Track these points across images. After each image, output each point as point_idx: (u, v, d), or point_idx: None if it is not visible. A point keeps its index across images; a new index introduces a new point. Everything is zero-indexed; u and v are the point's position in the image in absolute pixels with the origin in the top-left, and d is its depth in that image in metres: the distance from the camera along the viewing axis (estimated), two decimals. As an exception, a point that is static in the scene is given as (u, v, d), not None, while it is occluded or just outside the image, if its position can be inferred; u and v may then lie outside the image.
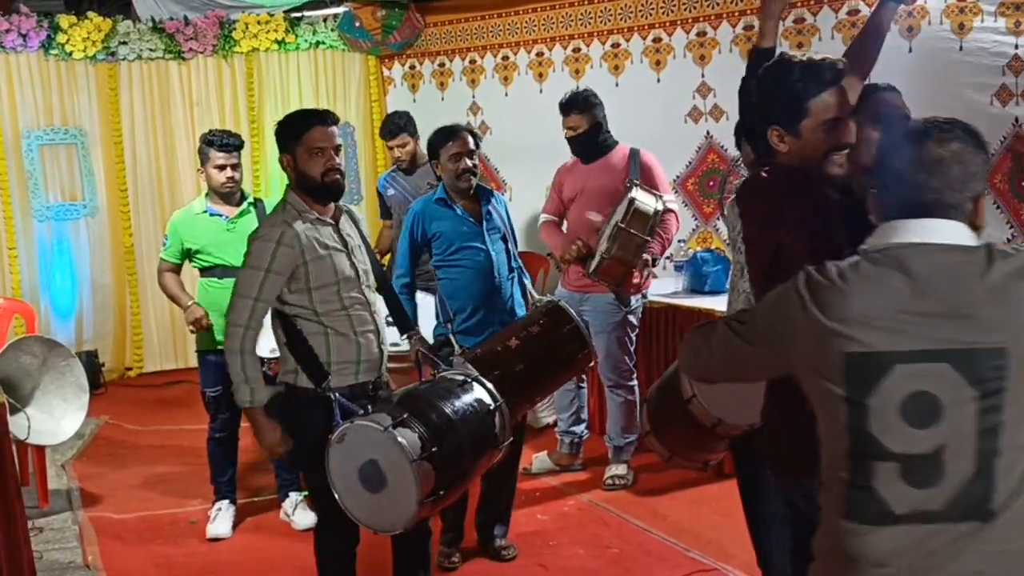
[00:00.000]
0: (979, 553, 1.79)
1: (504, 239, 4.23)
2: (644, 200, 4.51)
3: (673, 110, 6.16)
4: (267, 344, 3.73)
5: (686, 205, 6.14)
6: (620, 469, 5.05)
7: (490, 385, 3.34)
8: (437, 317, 4.27)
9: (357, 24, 7.60)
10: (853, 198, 2.38)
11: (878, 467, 1.84)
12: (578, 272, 4.90)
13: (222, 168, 4.56)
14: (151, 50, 7.43)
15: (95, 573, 4.29)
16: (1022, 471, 1.80)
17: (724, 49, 5.93)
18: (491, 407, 3.28)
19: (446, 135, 4.15)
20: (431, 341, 4.25)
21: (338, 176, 3.30)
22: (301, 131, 3.28)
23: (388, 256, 5.62)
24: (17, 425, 4.51)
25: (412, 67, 7.70)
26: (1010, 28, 4.75)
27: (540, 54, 6.88)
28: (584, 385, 5.26)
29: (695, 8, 6.06)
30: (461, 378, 3.34)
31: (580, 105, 4.87)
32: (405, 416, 3.01)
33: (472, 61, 7.28)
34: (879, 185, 1.97)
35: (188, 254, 4.61)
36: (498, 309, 4.16)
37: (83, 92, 7.33)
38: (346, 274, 3.29)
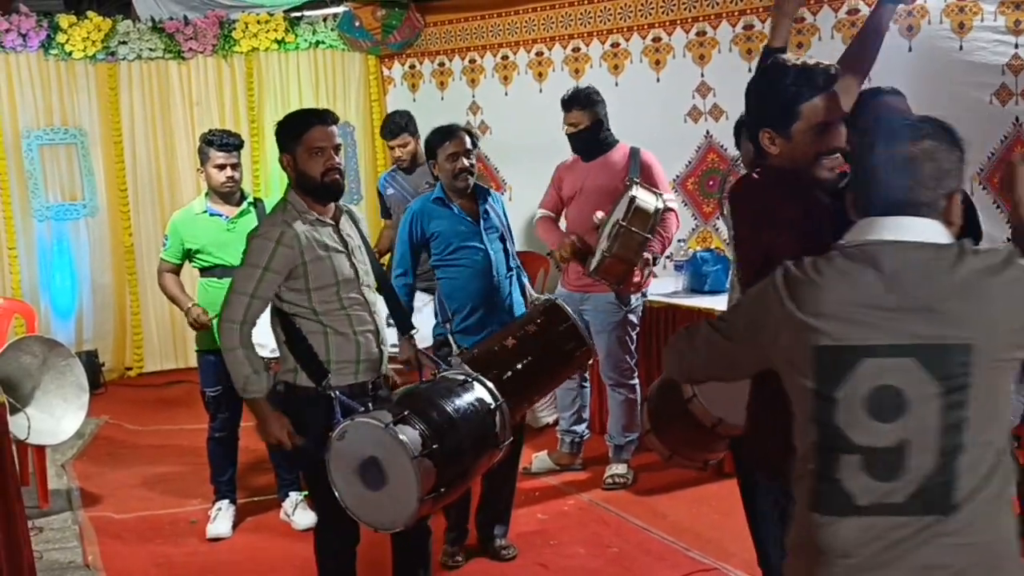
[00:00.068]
0: (942, 546, 1.82)
1: (502, 238, 4.23)
2: (645, 198, 4.51)
3: (673, 110, 6.17)
4: (267, 344, 3.74)
5: (686, 205, 6.14)
6: (620, 468, 5.06)
7: (490, 384, 3.34)
8: (436, 317, 4.28)
9: (357, 24, 7.60)
10: (842, 202, 2.41)
11: (843, 459, 1.87)
12: (578, 272, 4.90)
13: (222, 168, 4.56)
14: (151, 50, 7.43)
15: (95, 573, 4.29)
16: (988, 467, 1.82)
17: (724, 49, 5.93)
18: (491, 406, 3.28)
19: (443, 135, 4.15)
20: (431, 341, 4.26)
21: (338, 176, 3.30)
22: (301, 131, 3.28)
23: (388, 256, 5.62)
24: (17, 425, 4.51)
25: (412, 67, 7.70)
26: (1010, 27, 4.75)
27: (540, 54, 6.88)
28: (587, 385, 5.26)
29: (695, 8, 6.06)
30: (462, 377, 3.34)
31: (582, 102, 4.88)
32: (406, 413, 3.01)
33: (472, 61, 7.28)
34: (855, 183, 2.01)
35: (188, 254, 4.61)
36: (497, 308, 4.16)
37: (83, 92, 7.33)
38: (346, 275, 3.29)
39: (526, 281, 4.37)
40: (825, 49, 5.11)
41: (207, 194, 4.66)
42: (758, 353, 2.06)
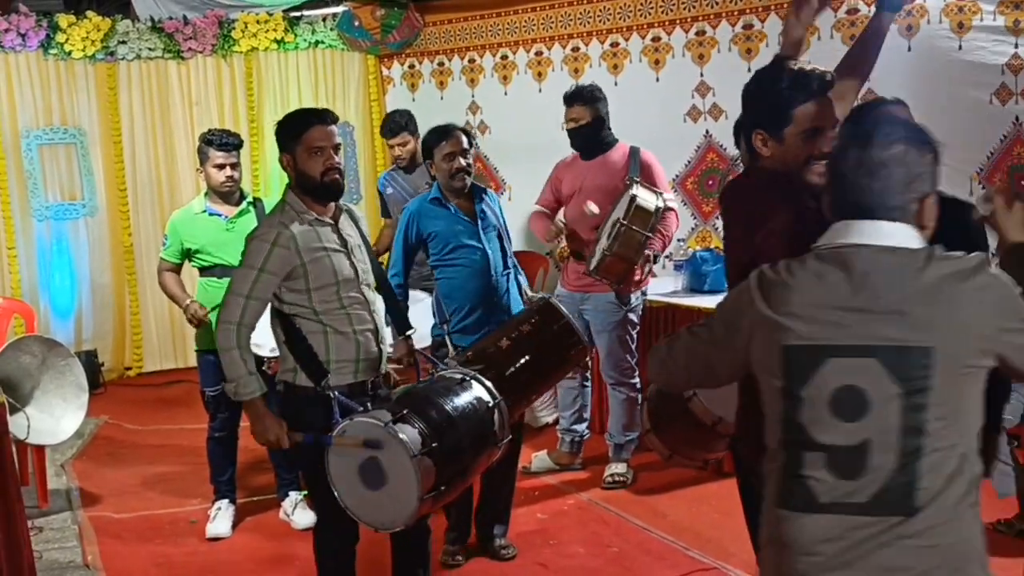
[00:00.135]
0: (903, 548, 1.84)
1: (499, 237, 4.23)
2: (646, 197, 4.51)
3: (672, 109, 6.17)
4: (267, 344, 3.74)
5: (685, 204, 6.14)
6: (620, 468, 5.05)
7: (488, 383, 3.34)
8: (435, 316, 4.28)
9: (356, 23, 7.60)
10: None
11: (808, 457, 1.91)
12: (578, 271, 4.91)
13: (221, 167, 4.56)
14: (150, 49, 7.43)
15: (95, 573, 4.29)
16: (950, 471, 1.84)
17: (723, 48, 5.94)
18: (490, 404, 3.28)
19: (440, 134, 4.16)
20: (430, 340, 4.26)
21: (337, 175, 3.30)
22: (300, 130, 3.28)
23: (387, 255, 5.62)
24: (17, 425, 4.51)
25: (411, 66, 7.70)
26: (1009, 27, 4.75)
27: (539, 53, 6.88)
28: (588, 384, 5.26)
29: (694, 7, 6.06)
30: (460, 376, 3.34)
31: (585, 98, 4.88)
32: (405, 412, 3.01)
33: (471, 60, 7.28)
34: (830, 186, 2.04)
35: (188, 254, 4.61)
36: (495, 307, 4.16)
37: (82, 92, 7.33)
38: (345, 275, 3.29)
39: (523, 280, 4.38)
40: (825, 49, 5.11)
41: (206, 194, 4.66)
42: (735, 357, 2.10)
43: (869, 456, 1.85)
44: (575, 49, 6.66)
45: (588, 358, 4.45)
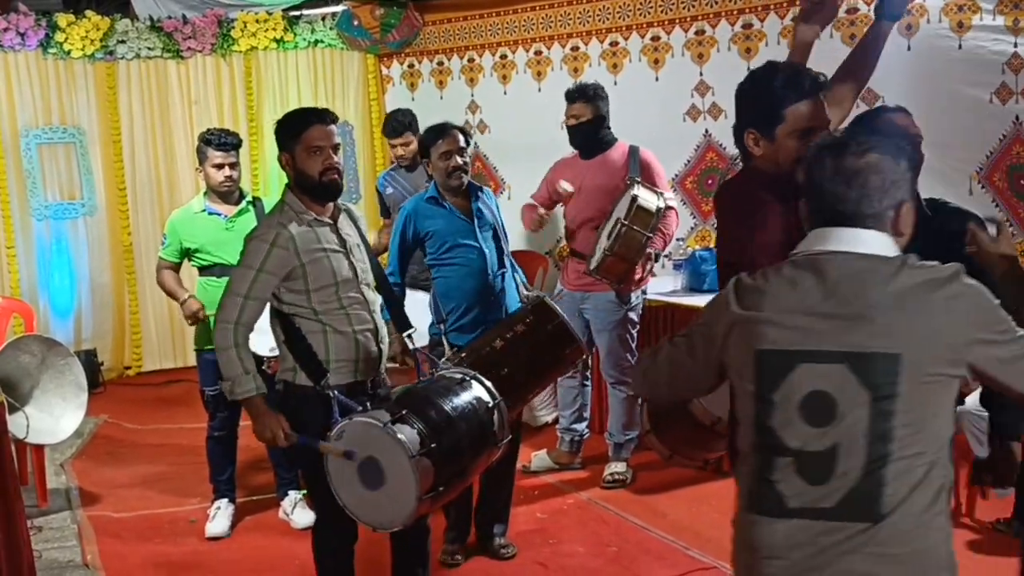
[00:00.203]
0: (867, 555, 1.85)
1: (495, 236, 4.23)
2: (647, 197, 4.51)
3: (672, 109, 6.16)
4: (266, 343, 3.74)
5: (684, 203, 6.14)
6: (619, 467, 5.05)
7: (488, 383, 3.34)
8: (432, 314, 4.28)
9: (356, 22, 7.60)
10: None
11: (777, 461, 1.93)
12: (578, 270, 4.91)
13: (220, 167, 4.56)
14: (149, 49, 7.42)
15: (94, 572, 4.29)
16: (916, 479, 1.85)
17: (723, 47, 5.93)
18: (490, 404, 3.28)
19: (436, 133, 4.16)
20: (428, 338, 4.26)
21: (336, 175, 3.30)
22: (300, 129, 3.28)
23: (386, 255, 5.61)
24: (16, 424, 4.52)
25: (411, 66, 7.70)
26: (1009, 26, 4.75)
27: (539, 53, 6.87)
28: (588, 383, 5.26)
29: (693, 7, 6.06)
30: (460, 376, 3.34)
31: (587, 95, 4.88)
32: (404, 413, 3.01)
33: (471, 60, 7.28)
34: (807, 195, 2.05)
35: (187, 253, 4.61)
36: (491, 306, 4.16)
37: (81, 91, 7.32)
38: (344, 275, 3.30)
39: (520, 278, 4.38)
40: (824, 48, 5.05)
41: (206, 193, 4.65)
42: (713, 364, 2.11)
43: (837, 462, 1.87)
44: (574, 48, 6.66)
45: (586, 357, 4.46)
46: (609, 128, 4.96)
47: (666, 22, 6.19)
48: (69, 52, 7.18)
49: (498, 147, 7.22)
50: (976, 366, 1.87)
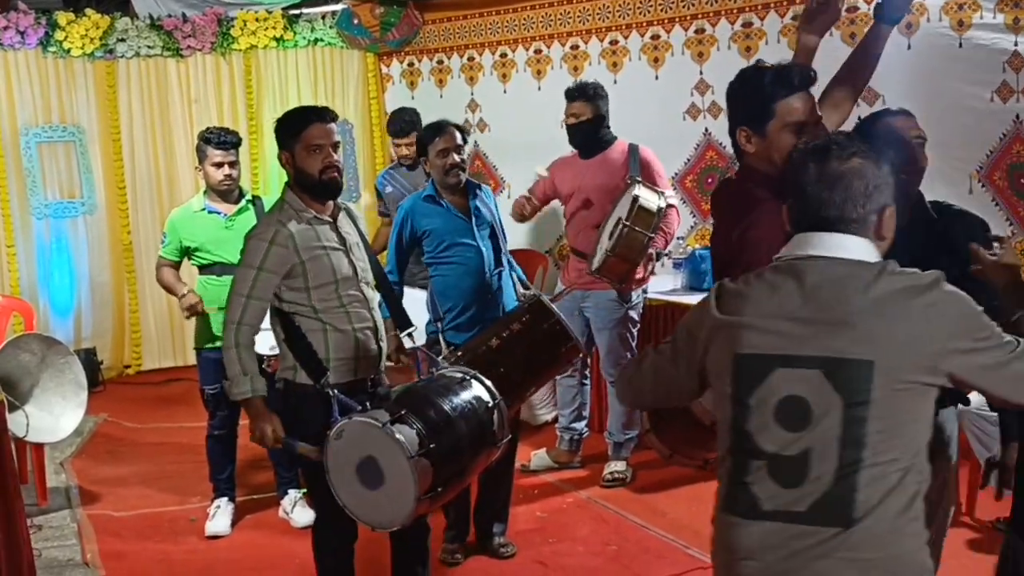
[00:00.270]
0: (839, 560, 1.86)
1: (492, 234, 4.23)
2: (648, 197, 4.50)
3: (671, 107, 6.16)
4: (267, 342, 3.74)
5: (684, 202, 6.13)
6: (619, 466, 5.05)
7: (488, 382, 3.34)
8: (429, 313, 4.27)
9: (355, 21, 7.59)
10: None
11: (752, 464, 1.95)
12: (578, 269, 4.90)
13: (220, 166, 4.56)
14: (149, 47, 7.42)
15: (94, 571, 4.29)
16: (889, 485, 1.85)
17: (722, 46, 5.93)
18: (489, 404, 3.27)
19: (433, 131, 4.16)
20: (426, 336, 4.26)
21: (336, 174, 3.30)
22: (300, 128, 3.28)
23: (386, 253, 5.61)
24: (16, 423, 4.51)
25: (410, 64, 7.69)
26: (1009, 24, 4.75)
27: (538, 51, 6.87)
28: (587, 382, 5.26)
29: (693, 5, 6.05)
30: (460, 375, 3.33)
31: (587, 94, 4.88)
32: (403, 413, 3.00)
33: (470, 58, 7.27)
34: (789, 199, 2.06)
35: (187, 251, 4.61)
36: (489, 305, 4.17)
37: (81, 89, 7.32)
38: (344, 273, 3.30)
39: (519, 276, 4.37)
40: (824, 48, 5.04)
41: (205, 192, 4.65)
42: (695, 372, 2.12)
43: (810, 466, 1.88)
44: (574, 47, 6.66)
45: (584, 356, 4.45)
46: (609, 127, 4.95)
47: (666, 21, 6.19)
48: (69, 50, 7.17)
49: (498, 146, 7.21)
50: (956, 375, 1.87)
